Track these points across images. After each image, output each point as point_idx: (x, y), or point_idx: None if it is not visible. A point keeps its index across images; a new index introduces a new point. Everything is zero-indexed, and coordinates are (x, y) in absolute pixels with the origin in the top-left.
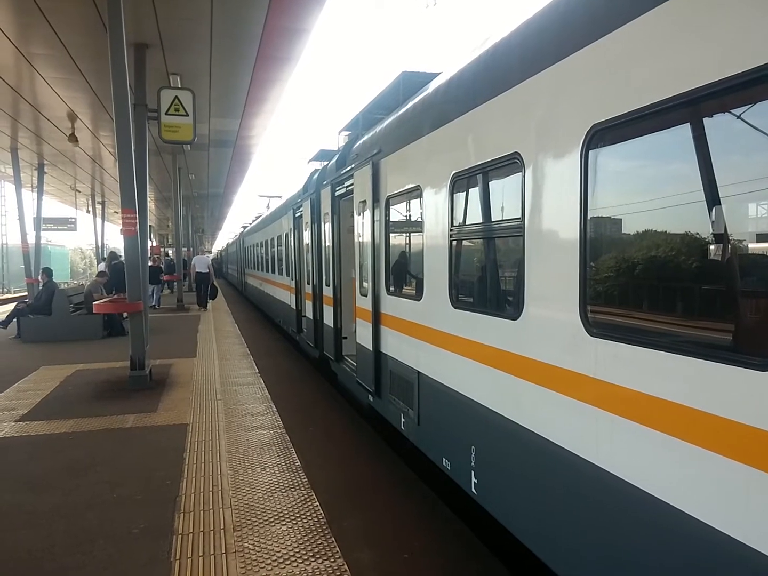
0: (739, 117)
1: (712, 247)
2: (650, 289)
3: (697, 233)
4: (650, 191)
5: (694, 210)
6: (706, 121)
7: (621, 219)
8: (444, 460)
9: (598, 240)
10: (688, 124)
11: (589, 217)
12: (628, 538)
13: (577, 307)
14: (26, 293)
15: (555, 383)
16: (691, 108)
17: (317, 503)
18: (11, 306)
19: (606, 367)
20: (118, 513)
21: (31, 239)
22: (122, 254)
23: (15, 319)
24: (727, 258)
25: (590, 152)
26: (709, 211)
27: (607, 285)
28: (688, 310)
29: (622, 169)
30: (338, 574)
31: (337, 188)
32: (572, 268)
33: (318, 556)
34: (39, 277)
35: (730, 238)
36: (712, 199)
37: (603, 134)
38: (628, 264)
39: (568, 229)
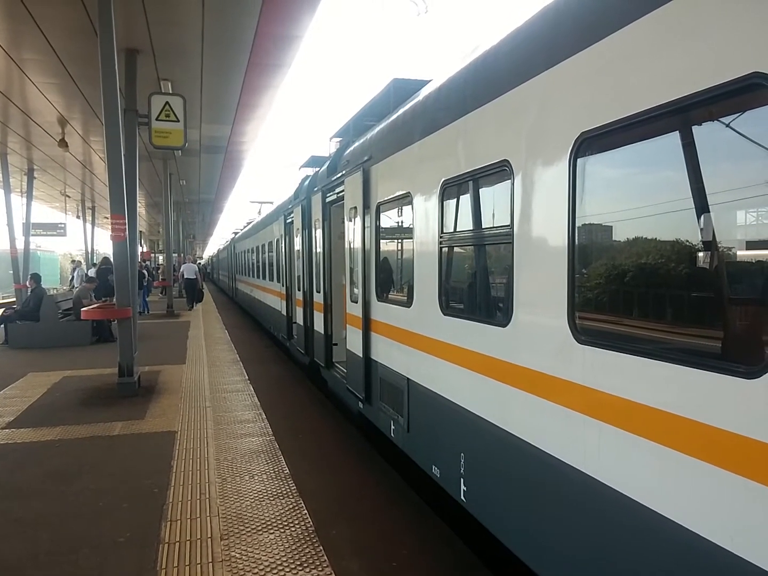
0: (726, 125)
1: (700, 254)
2: (638, 296)
3: (685, 241)
4: (638, 199)
5: (681, 217)
6: (693, 129)
7: (609, 226)
8: (433, 467)
9: (586, 247)
10: (676, 132)
11: (577, 225)
12: (617, 546)
13: (566, 315)
14: (14, 299)
15: (543, 390)
16: (678, 116)
17: (305, 511)
18: None
19: (594, 375)
20: (104, 521)
21: (20, 244)
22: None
23: (2, 325)
24: (714, 266)
25: (578, 160)
26: (697, 218)
27: (595, 292)
28: (676, 318)
29: (609, 177)
30: None
31: (328, 194)
32: (560, 276)
33: (306, 564)
34: (27, 283)
35: (718, 245)
36: (700, 206)
37: (591, 142)
38: (616, 271)
39: (556, 237)
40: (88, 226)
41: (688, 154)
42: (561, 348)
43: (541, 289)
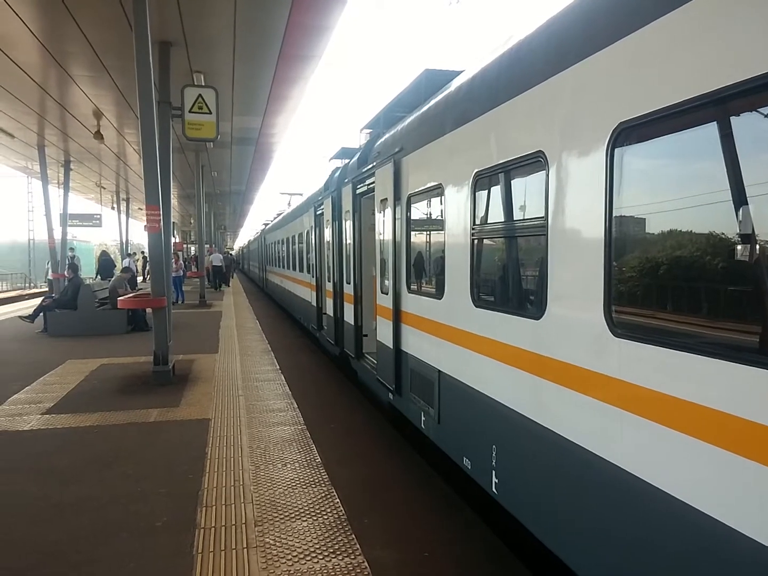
0: None
1: (739, 247)
2: (675, 289)
3: (725, 233)
4: (676, 190)
5: (721, 210)
6: (734, 119)
7: (646, 218)
8: (464, 459)
9: (622, 239)
10: (716, 122)
11: (614, 216)
12: (653, 541)
13: (602, 307)
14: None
15: (578, 383)
16: (720, 106)
17: (337, 500)
18: (38, 300)
19: (630, 368)
20: (142, 506)
21: (57, 235)
22: (142, 251)
23: (41, 314)
24: (755, 258)
25: (616, 150)
26: (737, 210)
27: (631, 285)
28: (714, 311)
29: (647, 168)
30: (358, 571)
31: (358, 186)
32: (596, 268)
33: (338, 552)
34: (65, 273)
35: (758, 238)
36: (741, 198)
37: (629, 133)
38: (654, 264)
39: (592, 229)
40: (123, 216)
41: (729, 145)
42: (596, 341)
43: (577, 282)
